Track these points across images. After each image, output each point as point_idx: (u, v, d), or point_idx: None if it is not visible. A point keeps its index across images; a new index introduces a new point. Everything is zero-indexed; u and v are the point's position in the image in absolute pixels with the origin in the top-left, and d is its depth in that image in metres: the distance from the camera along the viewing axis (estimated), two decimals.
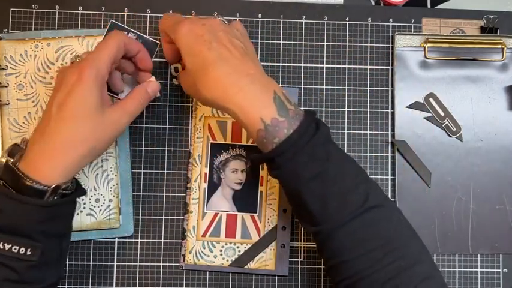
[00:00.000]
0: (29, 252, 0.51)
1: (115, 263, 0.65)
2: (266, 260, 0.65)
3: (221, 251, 0.65)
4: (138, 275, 0.65)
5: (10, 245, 0.50)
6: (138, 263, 0.65)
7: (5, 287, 0.51)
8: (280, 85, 0.67)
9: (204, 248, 0.65)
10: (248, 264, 0.65)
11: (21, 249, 0.50)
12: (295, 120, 0.52)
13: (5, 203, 0.51)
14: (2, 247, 0.50)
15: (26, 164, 0.52)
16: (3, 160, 0.53)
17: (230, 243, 0.65)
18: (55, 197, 0.52)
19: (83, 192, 0.57)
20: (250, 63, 0.55)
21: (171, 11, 0.67)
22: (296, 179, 0.52)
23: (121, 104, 0.57)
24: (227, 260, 0.65)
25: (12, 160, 0.52)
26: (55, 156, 0.52)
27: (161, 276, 0.65)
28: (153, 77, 0.62)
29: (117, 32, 0.58)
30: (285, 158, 0.51)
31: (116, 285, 0.65)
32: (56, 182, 0.52)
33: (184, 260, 0.65)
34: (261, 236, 0.65)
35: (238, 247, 0.65)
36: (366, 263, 0.51)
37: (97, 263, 0.65)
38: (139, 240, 0.65)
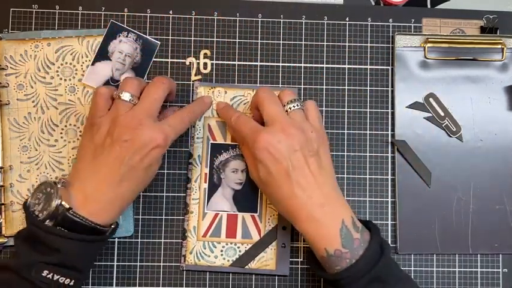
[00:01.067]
0: (72, 283, 0.54)
1: (115, 263, 0.65)
2: (267, 260, 0.65)
3: (222, 251, 0.65)
4: (138, 275, 0.65)
5: (59, 276, 0.53)
6: (138, 263, 0.65)
7: None
8: (280, 85, 0.67)
9: (205, 249, 0.65)
10: (249, 264, 0.65)
11: (66, 280, 0.53)
12: (359, 249, 0.55)
13: (62, 243, 0.53)
14: (51, 277, 0.52)
15: (90, 213, 0.54)
16: (60, 208, 0.53)
17: (231, 243, 0.65)
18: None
19: (117, 225, 0.60)
20: (326, 186, 0.57)
21: (171, 11, 0.67)
22: None
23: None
24: (228, 260, 0.65)
25: (71, 208, 0.54)
26: (119, 208, 0.57)
27: (161, 276, 0.65)
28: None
29: (165, 79, 0.60)
30: (347, 281, 0.54)
31: (116, 285, 0.65)
32: (112, 222, 0.58)
33: (185, 261, 0.65)
34: (261, 236, 0.65)
35: (238, 247, 0.65)
36: None
37: (97, 263, 0.65)
38: (139, 240, 0.65)
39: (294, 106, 0.59)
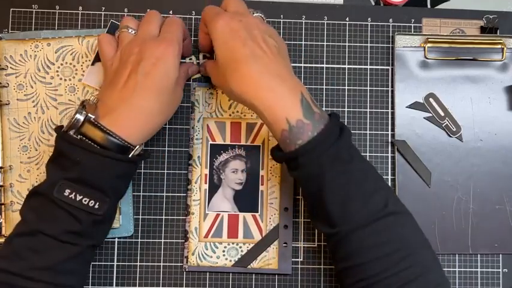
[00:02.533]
0: (97, 206, 0.53)
1: (115, 263, 0.65)
2: (269, 259, 0.65)
3: (224, 251, 0.65)
4: (138, 275, 0.65)
5: (81, 197, 0.52)
6: (138, 263, 0.65)
7: (63, 237, 0.53)
8: None
9: (207, 249, 0.65)
10: (251, 264, 0.65)
11: (90, 202, 0.53)
12: (320, 123, 0.53)
13: (84, 155, 0.52)
14: (73, 197, 0.52)
15: (111, 123, 0.54)
16: (82, 117, 0.54)
17: (233, 243, 0.65)
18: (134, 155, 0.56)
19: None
20: (282, 63, 0.56)
21: (171, 12, 0.67)
22: (318, 179, 0.52)
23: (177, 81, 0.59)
24: (230, 261, 0.65)
25: (93, 117, 0.54)
26: (139, 121, 0.55)
27: (161, 276, 0.65)
28: (194, 56, 0.68)
29: (176, 18, 0.61)
30: (309, 158, 0.52)
31: (116, 285, 0.65)
32: (137, 142, 0.55)
33: (187, 262, 0.65)
34: (263, 236, 0.65)
35: (240, 247, 0.65)
36: (382, 266, 0.51)
37: (97, 263, 0.65)
38: (139, 240, 0.65)
39: (257, 13, 0.60)
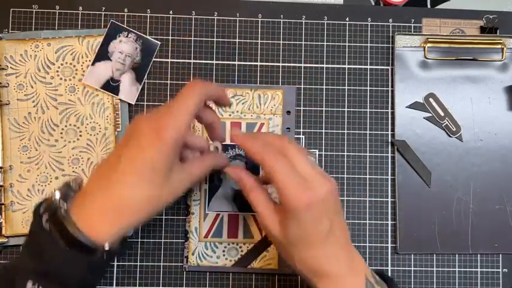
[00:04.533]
0: None
1: (115, 263, 0.65)
2: (269, 259, 0.65)
3: (224, 251, 0.65)
4: (138, 275, 0.65)
5: None
6: (138, 263, 0.65)
7: None
8: (280, 85, 0.67)
9: (207, 249, 0.65)
10: (251, 264, 0.65)
11: None
12: None
13: (52, 250, 0.47)
14: None
15: (81, 218, 0.47)
16: (55, 205, 0.48)
17: (233, 243, 0.65)
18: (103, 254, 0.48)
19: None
20: (349, 243, 0.53)
21: (171, 11, 0.67)
22: None
23: (187, 167, 0.53)
24: (230, 260, 0.65)
25: (65, 207, 0.48)
26: (116, 217, 0.48)
27: (161, 276, 0.65)
28: (219, 144, 0.61)
29: (198, 82, 0.52)
30: None
31: (116, 285, 0.65)
32: (110, 239, 0.48)
33: (187, 262, 0.65)
34: (263, 236, 0.65)
35: (240, 247, 0.65)
36: None
37: None
38: (139, 240, 0.65)
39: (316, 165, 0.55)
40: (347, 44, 0.69)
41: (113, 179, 0.48)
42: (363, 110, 0.68)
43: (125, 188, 0.48)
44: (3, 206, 0.64)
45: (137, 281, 0.65)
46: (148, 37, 0.67)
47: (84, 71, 0.65)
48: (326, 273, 0.51)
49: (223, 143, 0.65)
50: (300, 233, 0.50)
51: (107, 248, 0.48)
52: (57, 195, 0.48)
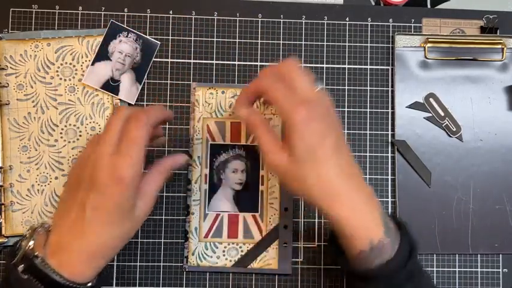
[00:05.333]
0: None
1: (115, 263, 0.65)
2: (269, 259, 0.65)
3: (224, 251, 0.65)
4: (138, 275, 0.65)
5: None
6: (138, 263, 0.65)
7: None
8: None
9: (207, 249, 0.65)
10: (251, 264, 0.65)
11: None
12: (396, 239, 0.51)
13: None
14: None
15: (60, 263, 0.50)
16: (31, 254, 0.50)
17: (233, 243, 0.65)
18: None
19: (106, 280, 0.56)
20: (359, 171, 0.54)
21: (171, 11, 0.67)
22: None
23: (145, 189, 0.54)
24: (230, 261, 0.65)
25: (41, 256, 0.50)
26: (93, 260, 0.51)
27: (161, 276, 0.65)
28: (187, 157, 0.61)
29: (141, 115, 0.53)
30: (384, 275, 0.51)
31: (115, 285, 0.65)
32: (90, 278, 0.51)
33: (187, 262, 0.65)
34: (263, 236, 0.65)
35: (240, 247, 0.65)
36: None
37: None
38: (139, 240, 0.65)
39: (318, 85, 0.54)
40: (347, 44, 0.69)
41: (85, 229, 0.50)
42: (363, 110, 0.68)
43: (97, 236, 0.50)
44: (3, 206, 0.64)
45: (137, 281, 0.65)
46: (148, 37, 0.67)
47: (84, 71, 0.65)
48: (337, 192, 0.51)
49: (224, 143, 0.65)
50: (307, 149, 0.50)
51: (89, 285, 0.51)
52: (31, 244, 0.50)
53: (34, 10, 0.67)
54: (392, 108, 0.68)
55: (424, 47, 0.68)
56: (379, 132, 0.68)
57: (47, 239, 0.51)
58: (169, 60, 0.67)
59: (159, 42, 0.67)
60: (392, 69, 0.68)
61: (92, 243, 0.50)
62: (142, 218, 0.54)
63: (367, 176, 0.67)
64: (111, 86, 0.65)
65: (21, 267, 0.49)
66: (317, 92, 0.53)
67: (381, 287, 0.51)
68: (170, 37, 0.67)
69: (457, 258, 0.67)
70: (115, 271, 0.65)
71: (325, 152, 0.51)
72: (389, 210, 0.67)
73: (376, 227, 0.51)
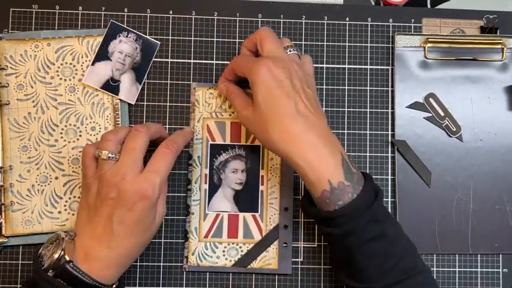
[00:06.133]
0: None
1: None
2: (269, 259, 0.65)
3: (224, 251, 0.65)
4: (138, 275, 0.65)
5: None
6: (138, 263, 0.65)
7: None
8: None
9: (207, 249, 0.65)
10: (251, 264, 0.65)
11: None
12: (358, 185, 0.54)
13: None
14: None
15: (89, 268, 0.54)
16: (63, 261, 0.53)
17: (233, 243, 0.65)
18: None
19: (120, 285, 0.59)
20: (322, 119, 0.57)
21: (171, 11, 0.67)
22: (353, 238, 0.54)
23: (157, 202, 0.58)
24: (230, 261, 0.65)
25: (73, 261, 0.54)
26: (119, 267, 0.56)
27: (161, 276, 0.65)
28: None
29: (173, 144, 0.59)
30: (347, 218, 0.53)
31: None
32: (115, 280, 0.57)
33: (187, 262, 0.65)
34: (263, 236, 0.65)
35: (240, 247, 0.65)
36: None
37: None
38: None
39: (292, 50, 0.60)
40: (347, 44, 0.69)
41: (112, 241, 0.55)
42: (363, 110, 0.68)
43: (122, 246, 0.55)
44: (3, 206, 0.64)
45: (137, 281, 0.65)
46: (148, 37, 0.67)
47: (84, 71, 0.65)
48: (296, 137, 0.54)
49: (224, 143, 0.65)
50: (264, 99, 0.56)
51: (114, 286, 0.57)
52: (61, 252, 0.54)
53: (34, 10, 0.67)
54: (392, 108, 0.68)
55: (424, 47, 0.68)
56: (379, 132, 0.68)
57: (74, 247, 0.55)
58: (169, 60, 0.67)
59: (159, 42, 0.67)
60: (392, 69, 0.68)
61: (118, 252, 0.55)
62: (158, 226, 0.59)
63: None
64: (111, 86, 0.65)
65: (51, 272, 0.53)
66: (283, 51, 0.58)
67: (345, 228, 0.53)
68: (170, 37, 0.67)
69: (457, 258, 0.67)
70: None
71: (289, 107, 0.55)
72: (389, 210, 0.67)
73: (336, 170, 0.54)
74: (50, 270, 0.53)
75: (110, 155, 0.56)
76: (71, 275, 0.53)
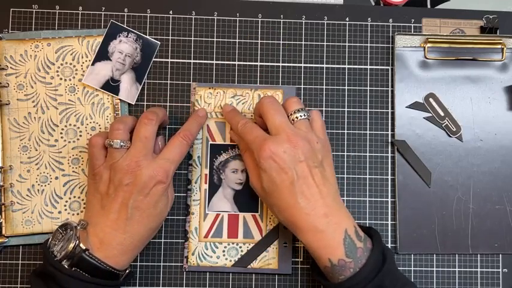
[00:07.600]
0: None
1: None
2: (269, 259, 0.65)
3: (224, 251, 0.65)
4: (138, 275, 0.65)
5: None
6: (138, 263, 0.65)
7: None
8: (280, 85, 0.67)
9: (207, 249, 0.65)
10: (251, 264, 0.65)
11: None
12: (362, 258, 0.55)
13: (75, 284, 0.54)
14: None
15: (105, 255, 0.56)
16: (78, 250, 0.55)
17: (233, 243, 0.65)
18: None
19: (133, 275, 0.63)
20: (329, 197, 0.57)
21: (171, 11, 0.67)
22: None
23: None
24: (230, 261, 0.65)
25: (89, 250, 0.56)
26: (132, 250, 0.58)
27: (161, 276, 0.65)
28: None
29: (187, 135, 0.61)
30: None
31: None
32: (127, 266, 0.59)
33: (187, 262, 0.65)
34: (263, 235, 0.65)
35: (240, 247, 0.65)
36: None
37: None
38: None
39: (299, 116, 0.59)
40: (347, 44, 0.69)
41: (126, 226, 0.57)
42: (363, 110, 0.68)
43: (137, 231, 0.58)
44: (3, 206, 0.64)
45: (137, 281, 0.65)
46: (148, 37, 0.67)
47: (84, 71, 0.65)
48: (298, 221, 0.56)
49: (224, 143, 0.65)
50: (268, 185, 0.57)
51: (127, 271, 0.60)
52: (76, 241, 0.55)
53: (34, 10, 0.67)
54: (392, 108, 0.68)
55: (424, 47, 0.68)
56: (379, 132, 0.68)
57: (87, 235, 0.57)
58: (169, 60, 0.67)
59: (159, 42, 0.67)
60: (392, 69, 0.68)
61: (133, 237, 0.57)
62: (167, 212, 0.61)
63: (367, 176, 0.67)
64: (111, 86, 0.65)
65: (65, 262, 0.54)
66: (287, 125, 0.58)
67: None
68: (170, 37, 0.67)
69: (457, 258, 0.67)
70: None
71: (285, 191, 0.56)
72: (390, 210, 0.67)
73: (337, 249, 0.55)
74: (65, 261, 0.54)
75: (121, 143, 0.58)
76: (88, 263, 0.55)
